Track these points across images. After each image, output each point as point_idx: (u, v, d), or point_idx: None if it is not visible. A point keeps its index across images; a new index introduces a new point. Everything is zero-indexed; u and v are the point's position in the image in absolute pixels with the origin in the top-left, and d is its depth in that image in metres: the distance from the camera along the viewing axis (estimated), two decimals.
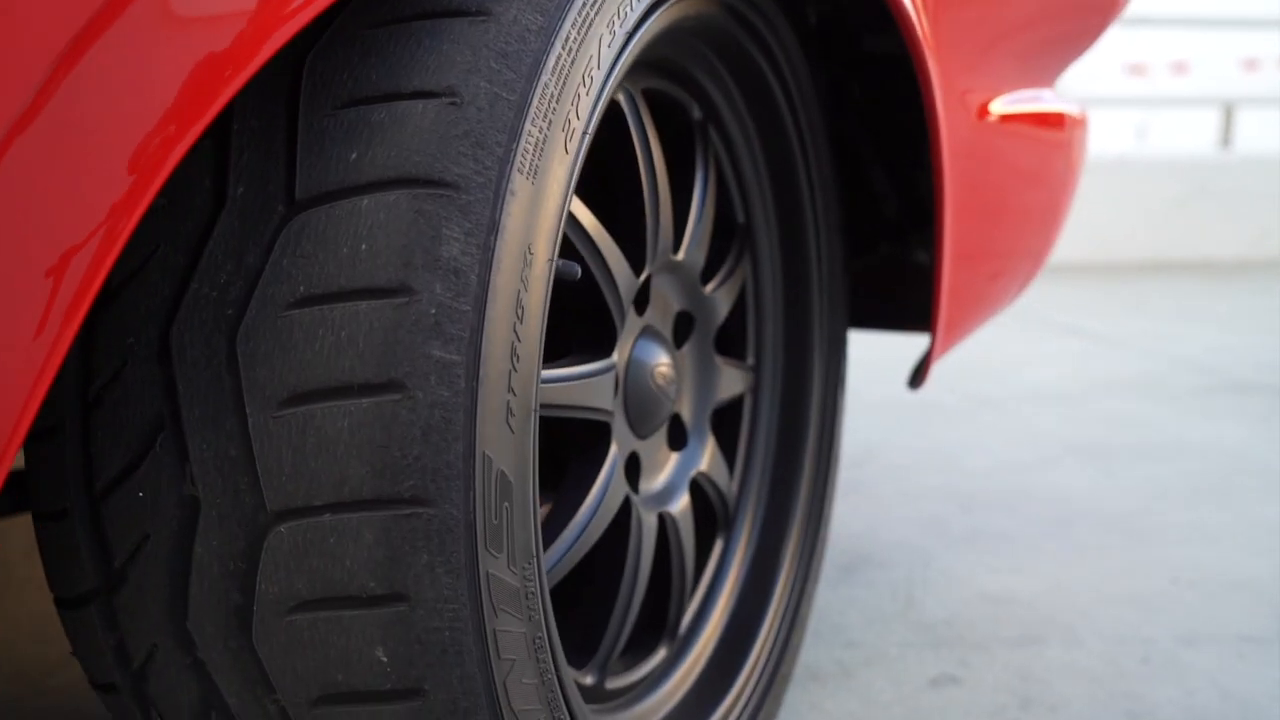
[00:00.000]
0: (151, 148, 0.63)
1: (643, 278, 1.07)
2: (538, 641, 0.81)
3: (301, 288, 0.73)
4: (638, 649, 1.21)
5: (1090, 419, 3.08)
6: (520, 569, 0.78)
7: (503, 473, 0.76)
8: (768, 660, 1.30)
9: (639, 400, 1.11)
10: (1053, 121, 1.66)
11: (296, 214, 0.74)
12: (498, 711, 0.78)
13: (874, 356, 3.98)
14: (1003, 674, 1.58)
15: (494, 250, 0.74)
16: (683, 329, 1.23)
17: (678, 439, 1.24)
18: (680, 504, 1.20)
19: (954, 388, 3.45)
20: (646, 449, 1.16)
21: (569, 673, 0.93)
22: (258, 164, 0.76)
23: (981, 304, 1.64)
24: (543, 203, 0.78)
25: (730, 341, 1.38)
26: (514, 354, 0.76)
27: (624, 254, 1.03)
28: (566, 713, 0.86)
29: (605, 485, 1.02)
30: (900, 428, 2.98)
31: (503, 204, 0.75)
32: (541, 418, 1.06)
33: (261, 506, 0.75)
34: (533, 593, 0.80)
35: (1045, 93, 1.63)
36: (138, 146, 0.62)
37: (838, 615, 1.78)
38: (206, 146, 0.77)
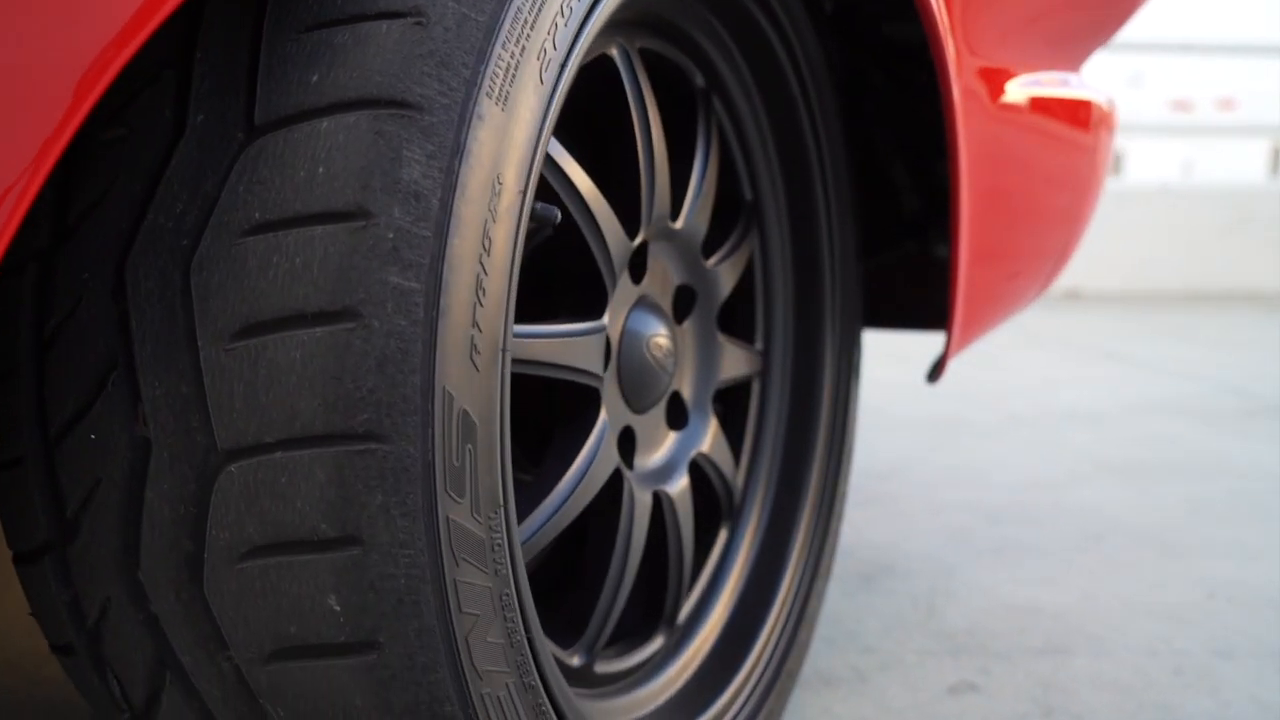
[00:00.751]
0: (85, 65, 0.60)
1: (637, 242, 1.03)
2: (505, 599, 0.76)
3: (257, 214, 0.70)
4: (633, 636, 1.15)
5: (1126, 439, 2.99)
6: (486, 518, 0.74)
7: (466, 412, 0.71)
8: (772, 656, 1.24)
9: (634, 371, 1.07)
10: (1078, 111, 1.61)
11: (255, 139, 0.71)
12: (459, 670, 0.73)
13: (903, 376, 3.91)
14: (1025, 683, 1.51)
15: (458, 175, 0.70)
16: (684, 304, 1.19)
17: (678, 418, 1.19)
18: (679, 484, 1.15)
19: (987, 407, 3.38)
20: (643, 424, 1.11)
21: (546, 643, 0.88)
22: (219, 91, 0.73)
23: (999, 301, 1.58)
24: (513, 131, 0.74)
25: (739, 324, 1.34)
26: (479, 287, 0.72)
27: (618, 217, 1.00)
28: (539, 680, 0.81)
29: (593, 453, 0.97)
30: (929, 445, 2.91)
31: (468, 128, 0.71)
32: (530, 384, 1.03)
33: (212, 446, 0.71)
34: (499, 545, 0.75)
35: (1071, 77, 1.58)
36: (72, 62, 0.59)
37: (854, 622, 1.72)
38: (169, 76, 0.75)
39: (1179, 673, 1.55)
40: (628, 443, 1.10)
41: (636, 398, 1.08)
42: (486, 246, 0.72)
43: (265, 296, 0.69)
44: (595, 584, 1.04)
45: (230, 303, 0.70)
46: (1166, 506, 2.36)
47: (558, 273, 1.01)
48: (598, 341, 0.97)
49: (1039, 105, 1.50)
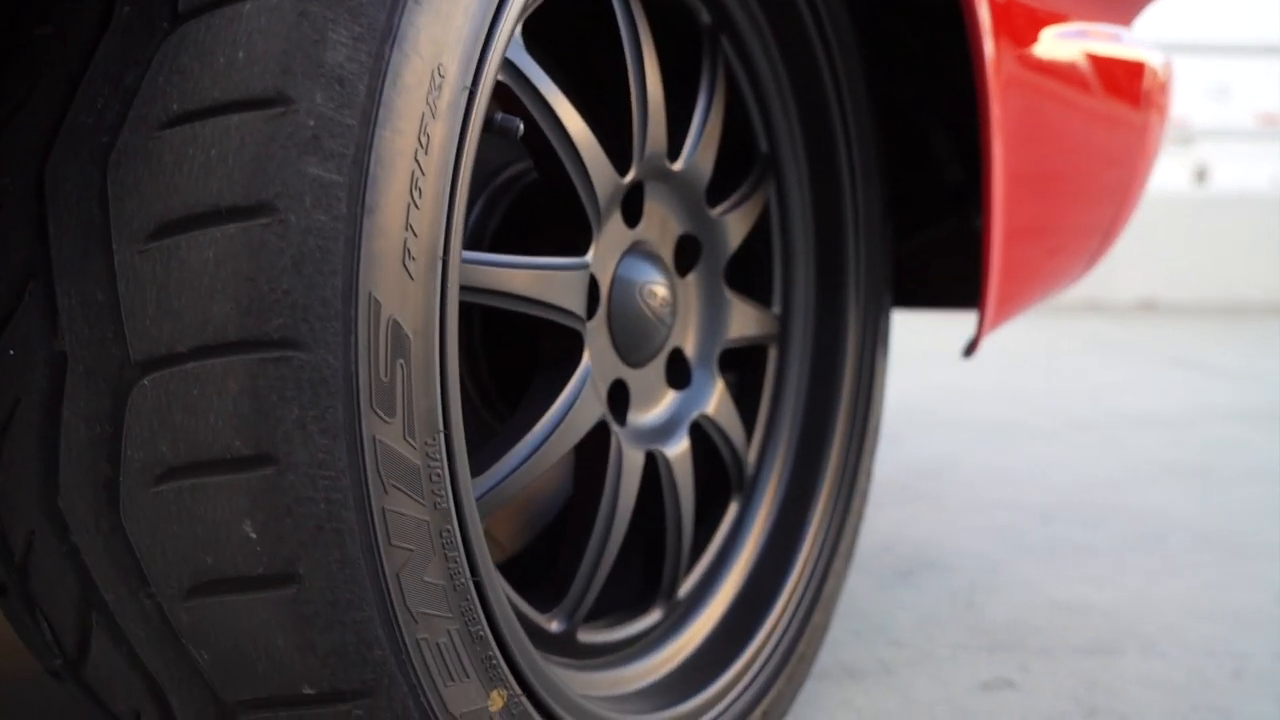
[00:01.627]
0: None
1: (628, 180, 0.96)
2: (445, 535, 0.69)
3: (175, 105, 0.65)
4: (628, 608, 1.08)
5: (1192, 443, 2.84)
6: (421, 444, 0.67)
7: (396, 323, 0.65)
8: (782, 637, 1.16)
9: (626, 320, 1.00)
10: (1128, 72, 1.51)
11: (179, 27, 0.66)
12: (388, 610, 0.66)
13: (959, 379, 3.79)
14: (1067, 681, 1.40)
15: (388, 61, 0.64)
16: (688, 256, 1.11)
17: (680, 376, 1.11)
18: (678, 447, 1.07)
19: (1047, 411, 3.24)
20: (638, 379, 1.04)
21: (506, 593, 0.81)
22: None
23: (1037, 277, 1.48)
24: (455, 19, 0.68)
25: (756, 286, 1.26)
26: (415, 186, 0.65)
27: (610, 153, 0.93)
28: (488, 631, 0.74)
29: (572, 399, 0.90)
30: (982, 446, 2.79)
31: (402, 10, 0.65)
32: (516, 329, 0.96)
33: (126, 358, 0.65)
34: (439, 475, 0.69)
35: (1123, 32, 1.48)
36: None
37: (885, 616, 1.62)
38: None
39: (1239, 676, 1.43)
40: (620, 397, 1.03)
41: (630, 349, 1.01)
42: (424, 143, 0.66)
43: (180, 193, 0.64)
44: (576, 546, 0.96)
45: (146, 201, 0.65)
46: (1232, 510, 2.23)
47: (545, 211, 0.95)
48: (579, 280, 0.90)
49: (1084, 63, 1.40)
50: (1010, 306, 1.44)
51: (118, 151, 0.66)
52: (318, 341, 0.62)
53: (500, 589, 0.77)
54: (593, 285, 0.96)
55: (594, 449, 0.97)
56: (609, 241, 0.98)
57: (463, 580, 0.71)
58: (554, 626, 0.93)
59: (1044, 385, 3.66)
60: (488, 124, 0.77)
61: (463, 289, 0.79)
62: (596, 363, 0.97)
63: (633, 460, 1.00)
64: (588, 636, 0.99)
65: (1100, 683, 1.40)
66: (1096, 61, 1.43)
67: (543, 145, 0.87)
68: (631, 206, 1.01)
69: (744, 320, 1.18)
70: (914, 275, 1.53)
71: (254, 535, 0.64)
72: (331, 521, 0.64)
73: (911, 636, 1.54)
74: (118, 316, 0.65)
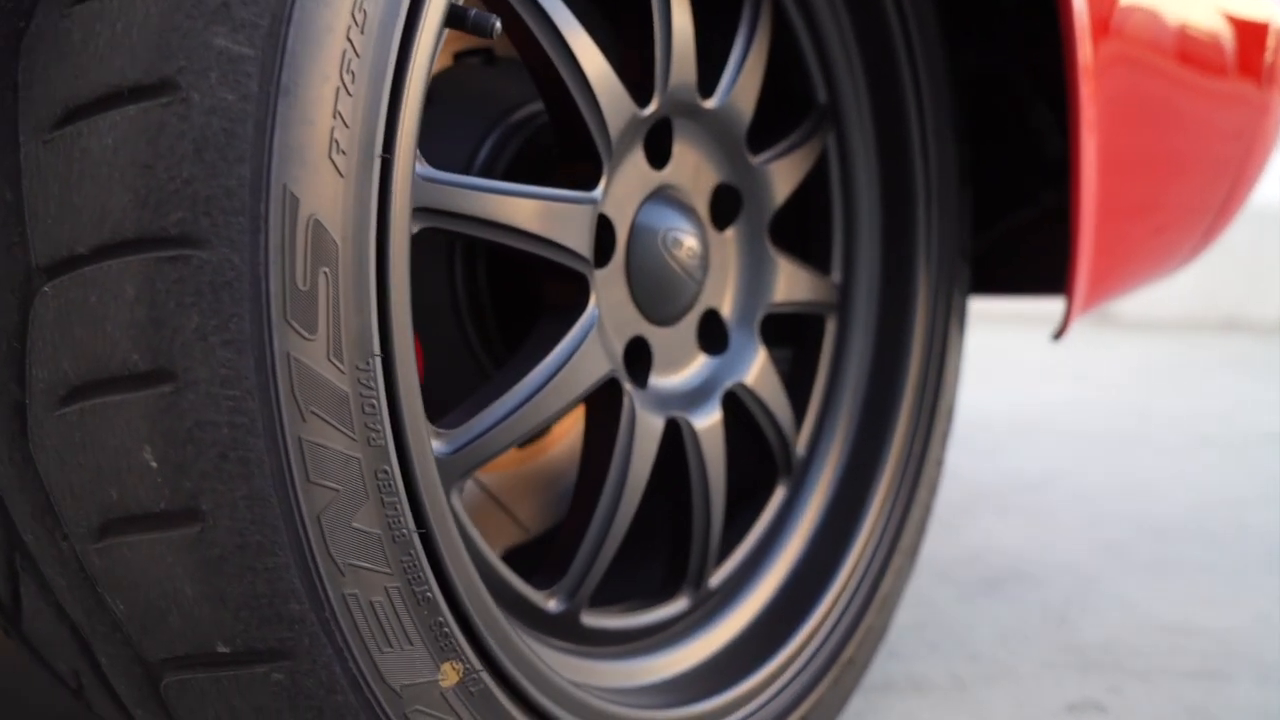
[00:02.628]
0: None
1: (649, 112, 0.87)
2: (383, 477, 0.60)
3: None
4: (650, 593, 0.97)
5: None
6: (351, 367, 0.58)
7: (318, 224, 0.56)
8: (826, 639, 1.04)
9: (647, 271, 0.90)
10: (1249, 32, 1.35)
11: None
12: (307, 556, 0.58)
13: (1080, 392, 3.58)
14: (1166, 706, 1.24)
15: None
16: (728, 208, 1.01)
17: (715, 340, 1.01)
18: (708, 417, 0.96)
19: (1172, 426, 3.01)
20: (662, 338, 0.94)
21: (488, 561, 0.72)
22: None
23: (1136, 258, 1.33)
24: None
25: (814, 251, 1.15)
26: (346, 68, 0.57)
27: (630, 80, 0.84)
28: (439, 594, 0.64)
29: (572, 348, 0.81)
30: (1094, 458, 2.59)
31: None
32: (520, 269, 0.88)
33: (30, 263, 0.58)
34: (374, 406, 0.60)
35: None
36: None
37: (965, 629, 1.48)
38: None
39: None
40: (639, 356, 0.93)
41: (652, 304, 0.91)
42: (358, 20, 0.58)
43: (85, 74, 0.56)
44: (580, 517, 0.86)
45: (53, 86, 0.58)
46: None
47: (554, 143, 0.86)
48: (584, 216, 0.81)
49: (1195, 24, 1.25)
50: (1104, 288, 1.29)
51: (30, 35, 0.59)
52: (220, 239, 0.54)
53: (461, 548, 0.68)
54: (607, 228, 0.87)
55: (603, 409, 0.88)
56: (627, 181, 0.88)
57: (404, 531, 0.62)
58: (552, 605, 0.84)
59: (1172, 401, 3.42)
60: (459, 19, 0.68)
61: (445, 215, 0.71)
62: (609, 313, 0.87)
63: (648, 426, 0.89)
64: (595, 621, 0.89)
65: (1204, 710, 1.23)
66: (1210, 21, 1.28)
67: (540, 61, 0.78)
68: (657, 145, 0.92)
69: (792, 284, 1.06)
70: (1006, 258, 1.39)
71: (154, 464, 0.56)
72: (236, 449, 0.55)
73: (992, 651, 1.40)
74: (22, 217, 0.59)
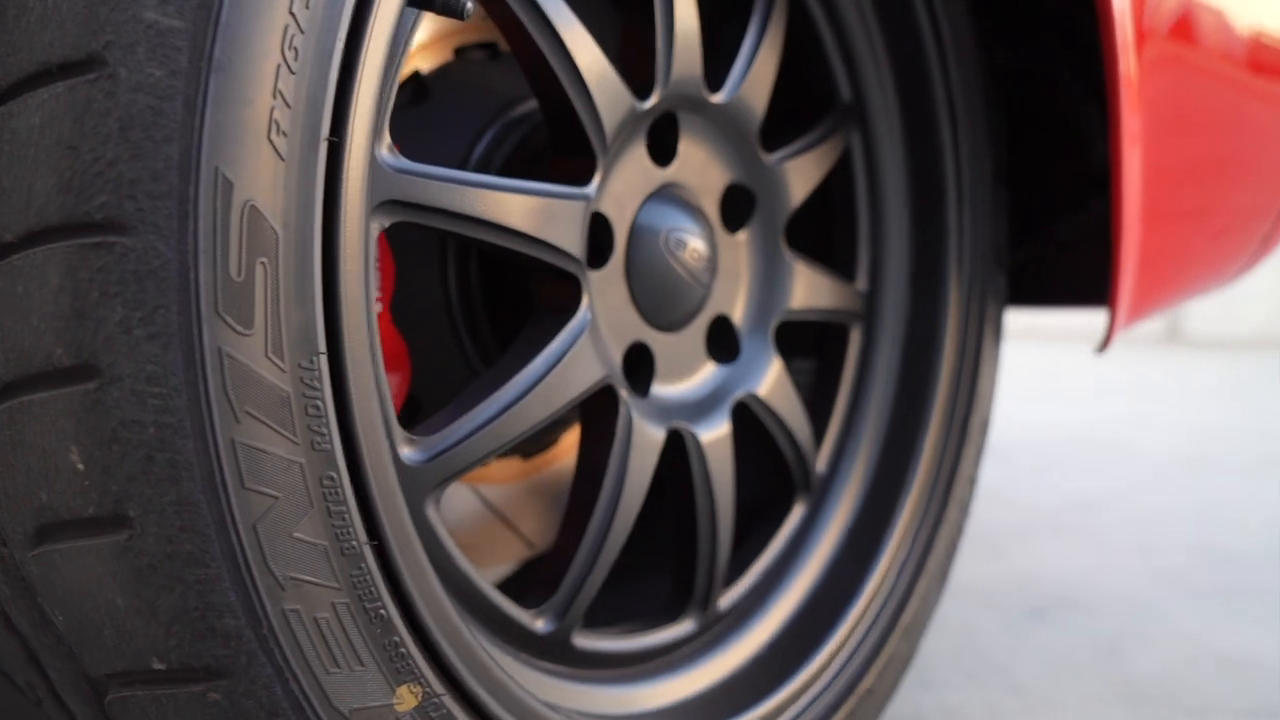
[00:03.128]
0: None
1: (649, 105, 0.82)
2: (329, 484, 0.56)
3: None
4: (655, 615, 0.92)
5: None
6: (293, 365, 0.54)
7: (255, 210, 0.53)
8: (844, 666, 0.98)
9: (648, 273, 0.85)
10: None
11: None
12: (241, 568, 0.54)
13: (1150, 413, 3.46)
14: None
15: None
16: (740, 210, 0.96)
17: (725, 348, 0.96)
18: (715, 428, 0.91)
19: (1244, 446, 2.89)
20: (665, 345, 0.89)
21: (467, 577, 0.68)
22: None
23: (1188, 267, 1.25)
24: None
25: (839, 257, 1.09)
26: (288, 44, 0.53)
27: (629, 72, 0.79)
28: (396, 612, 0.60)
29: (560, 352, 0.76)
30: (1156, 480, 2.49)
31: None
32: (514, 269, 0.84)
33: None
34: (318, 407, 0.56)
35: None
36: None
37: (1007, 656, 1.40)
38: None
39: None
40: (640, 363, 0.88)
41: (654, 308, 0.87)
42: None
43: (16, 51, 0.53)
44: (571, 531, 0.82)
45: None
46: None
47: (547, 136, 0.82)
48: (575, 213, 0.77)
49: (1246, 17, 1.18)
50: (1152, 299, 1.21)
51: None
52: (146, 224, 0.50)
53: (424, 562, 0.63)
54: (604, 228, 0.83)
55: (598, 418, 0.83)
56: (626, 178, 0.84)
57: (354, 543, 0.58)
58: (540, 626, 0.79)
59: (1243, 422, 3.28)
60: (429, 0, 0.64)
61: (420, 209, 0.67)
62: (606, 317, 0.83)
63: (647, 436, 0.85)
64: (589, 643, 0.84)
65: None
66: (1264, 19, 1.20)
67: (527, 50, 0.74)
68: (660, 141, 0.87)
69: (810, 290, 1.01)
70: (1047, 268, 1.33)
71: (81, 466, 0.53)
72: (163, 451, 0.52)
73: (1035, 682, 1.32)
74: None
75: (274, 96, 0.53)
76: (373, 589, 0.59)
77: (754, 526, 1.04)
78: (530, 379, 0.75)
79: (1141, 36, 1.04)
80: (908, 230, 1.11)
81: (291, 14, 0.53)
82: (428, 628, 0.62)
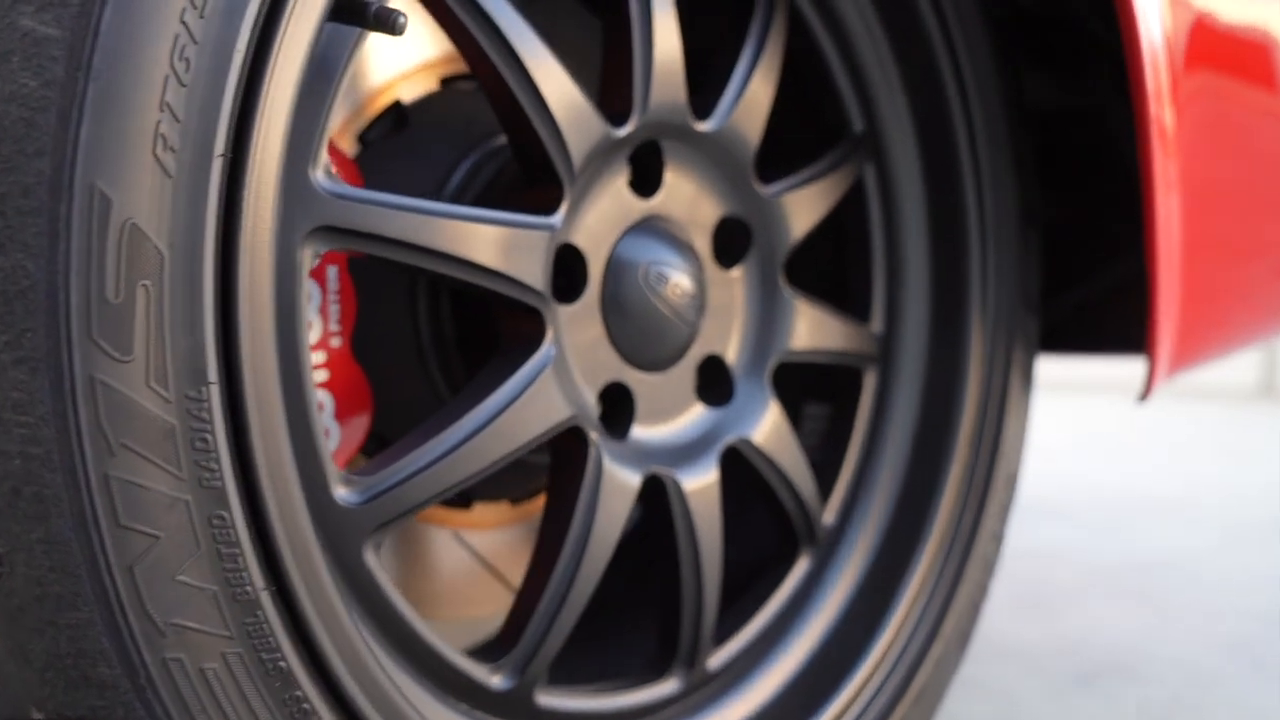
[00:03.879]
0: None
1: (625, 133, 0.78)
2: (219, 524, 0.52)
3: None
4: (634, 672, 0.87)
5: None
6: (178, 395, 0.51)
7: (136, 228, 0.49)
8: None
9: (626, 310, 0.81)
10: None
11: None
12: (116, 612, 0.50)
13: (1219, 468, 3.31)
14: None
15: None
16: (736, 244, 0.91)
17: (716, 391, 0.90)
18: (700, 475, 0.86)
19: None
20: (648, 385, 0.84)
21: (412, 629, 0.63)
22: None
23: (1242, 311, 1.17)
24: None
25: (853, 297, 1.04)
26: (179, 55, 0.50)
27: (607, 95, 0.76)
28: (298, 667, 0.56)
29: (518, 390, 0.72)
30: (1223, 541, 2.35)
31: None
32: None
33: None
34: (208, 442, 0.52)
35: None
36: None
37: None
38: None
39: None
40: (619, 404, 0.83)
41: (634, 347, 0.82)
42: (196, 2, 0.51)
43: None
44: (534, 580, 0.77)
45: None
46: None
47: (516, 165, 0.78)
48: (537, 244, 0.73)
49: None
50: (1200, 346, 1.13)
51: None
52: (14, 242, 0.48)
53: (340, 611, 0.59)
54: (576, 261, 0.78)
55: (566, 461, 0.79)
56: (602, 209, 0.80)
57: (248, 589, 0.54)
58: (496, 682, 0.74)
59: None
60: (359, 13, 0.61)
61: (358, 236, 0.64)
62: (578, 354, 0.78)
63: (618, 481, 0.80)
64: (555, 701, 0.78)
65: None
66: None
67: (487, 73, 0.71)
68: (643, 171, 0.83)
69: (814, 331, 0.95)
70: (1086, 314, 1.26)
71: None
72: (30, 485, 0.48)
73: None
74: None
75: (161, 109, 0.50)
76: (271, 639, 0.55)
77: (754, 580, 0.98)
78: (482, 418, 0.71)
79: (1181, 66, 0.97)
80: (927, 270, 1.05)
81: (183, 23, 0.50)
82: (341, 683, 0.58)
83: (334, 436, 0.76)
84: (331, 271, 0.75)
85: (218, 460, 0.52)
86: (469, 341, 0.84)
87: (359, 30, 0.63)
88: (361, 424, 0.79)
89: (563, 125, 0.73)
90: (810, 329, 0.95)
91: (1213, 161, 1.05)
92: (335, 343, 0.76)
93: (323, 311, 0.75)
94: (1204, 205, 1.04)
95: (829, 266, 1.06)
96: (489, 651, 0.76)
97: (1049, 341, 1.21)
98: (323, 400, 0.76)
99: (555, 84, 0.73)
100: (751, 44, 0.88)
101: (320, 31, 0.57)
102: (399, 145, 0.86)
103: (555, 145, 0.74)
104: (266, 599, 0.54)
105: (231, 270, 0.53)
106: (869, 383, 1.04)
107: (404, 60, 0.87)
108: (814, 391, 1.08)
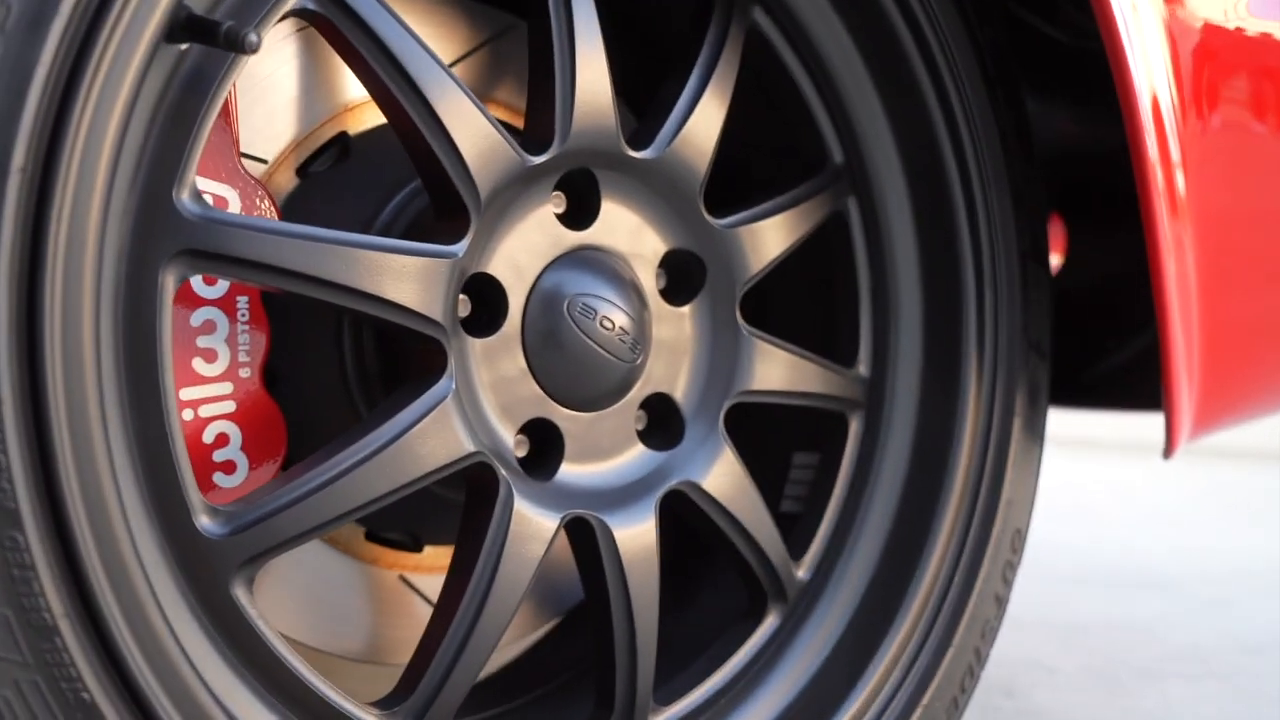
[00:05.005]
0: None
1: (539, 161, 0.75)
2: (10, 546, 0.51)
3: None
4: None
5: None
6: None
7: None
8: None
9: (549, 344, 0.78)
10: None
11: None
12: None
13: None
14: None
15: None
16: (687, 279, 0.87)
17: (662, 433, 0.86)
18: (634, 521, 0.81)
19: None
20: (579, 423, 0.80)
21: (298, 673, 0.61)
22: None
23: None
24: None
25: (839, 339, 0.98)
26: None
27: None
28: (103, 702, 0.53)
29: (407, 424, 0.70)
30: None
31: None
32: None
33: None
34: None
35: None
36: None
37: None
38: None
39: None
40: (549, 442, 0.80)
41: (560, 383, 0.79)
42: None
43: None
44: (436, 623, 0.74)
45: None
46: None
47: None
48: (434, 273, 0.70)
49: None
50: (1229, 407, 1.04)
51: None
52: None
53: (170, 644, 0.57)
54: (494, 292, 0.76)
55: (473, 500, 0.75)
56: (524, 239, 0.77)
57: (45, 615, 0.52)
58: None
59: None
60: (209, 33, 0.60)
61: (229, 262, 0.63)
62: (494, 389, 0.76)
63: (530, 523, 0.76)
64: None
65: None
66: None
67: (381, 95, 0.70)
68: (579, 201, 0.80)
69: (778, 372, 0.90)
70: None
71: None
72: None
73: None
74: None
75: None
76: (70, 668, 0.53)
77: (717, 637, 0.92)
78: (366, 450, 0.68)
79: (1186, 100, 0.90)
80: (919, 311, 0.99)
81: None
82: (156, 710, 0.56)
83: (241, 469, 0.75)
84: (242, 301, 0.74)
85: (10, 480, 0.51)
86: (392, 374, 0.82)
87: (233, 56, 0.63)
88: (273, 456, 0.78)
89: (466, 153, 0.71)
90: (772, 370, 0.90)
91: (1233, 211, 0.97)
92: (244, 373, 0.75)
93: (230, 341, 0.74)
94: (1224, 260, 0.96)
95: (816, 307, 1.01)
96: (389, 699, 0.73)
97: (1067, 396, 1.13)
98: (227, 431, 0.75)
99: (457, 112, 0.71)
100: (699, 70, 0.85)
101: (155, 51, 0.57)
102: (339, 177, 0.85)
103: (459, 174, 0.72)
104: (68, 626, 0.53)
105: (38, 290, 0.52)
106: (853, 429, 0.97)
107: (352, 91, 0.86)
108: (803, 440, 1.02)
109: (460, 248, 0.72)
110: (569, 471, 0.80)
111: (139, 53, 0.56)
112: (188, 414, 0.71)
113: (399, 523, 0.89)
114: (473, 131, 0.72)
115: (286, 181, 0.84)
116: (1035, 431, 1.01)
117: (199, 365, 0.72)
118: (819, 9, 0.91)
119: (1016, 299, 0.99)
